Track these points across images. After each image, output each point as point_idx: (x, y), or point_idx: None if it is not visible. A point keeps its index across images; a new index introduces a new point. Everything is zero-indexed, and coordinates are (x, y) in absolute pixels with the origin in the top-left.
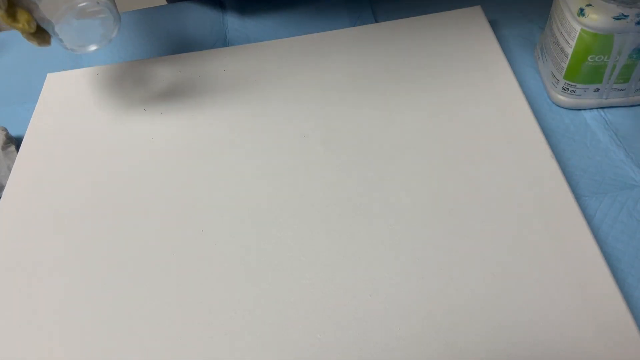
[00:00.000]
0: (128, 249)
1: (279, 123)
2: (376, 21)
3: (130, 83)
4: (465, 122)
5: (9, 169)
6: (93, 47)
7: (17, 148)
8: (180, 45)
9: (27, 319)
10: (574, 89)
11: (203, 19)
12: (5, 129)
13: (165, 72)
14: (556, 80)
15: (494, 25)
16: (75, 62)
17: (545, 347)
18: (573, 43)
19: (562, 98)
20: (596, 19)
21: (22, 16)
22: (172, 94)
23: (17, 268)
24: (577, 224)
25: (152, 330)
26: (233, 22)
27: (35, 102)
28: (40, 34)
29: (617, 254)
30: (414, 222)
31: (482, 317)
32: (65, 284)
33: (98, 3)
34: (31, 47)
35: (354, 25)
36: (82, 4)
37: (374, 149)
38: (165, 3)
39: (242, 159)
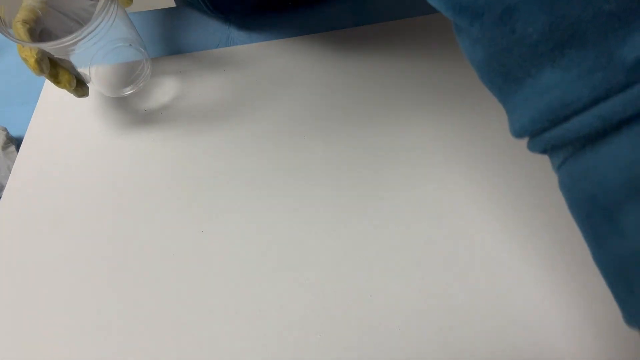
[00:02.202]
0: (128, 248)
1: (279, 123)
2: (377, 21)
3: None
4: (465, 122)
5: (9, 169)
6: (128, 91)
7: (17, 148)
8: (184, 47)
9: (27, 319)
10: None
11: (206, 21)
12: (5, 129)
13: (166, 72)
14: None
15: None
16: None
17: (545, 347)
18: None
19: None
20: None
21: (64, 77)
22: (172, 94)
23: (17, 268)
24: None
25: (151, 330)
26: (236, 25)
27: (35, 102)
28: (80, 88)
29: None
30: (414, 222)
31: (482, 318)
32: (65, 284)
33: (130, 45)
34: None
35: (354, 26)
36: (115, 47)
37: (374, 149)
38: (174, 5)
39: (242, 158)
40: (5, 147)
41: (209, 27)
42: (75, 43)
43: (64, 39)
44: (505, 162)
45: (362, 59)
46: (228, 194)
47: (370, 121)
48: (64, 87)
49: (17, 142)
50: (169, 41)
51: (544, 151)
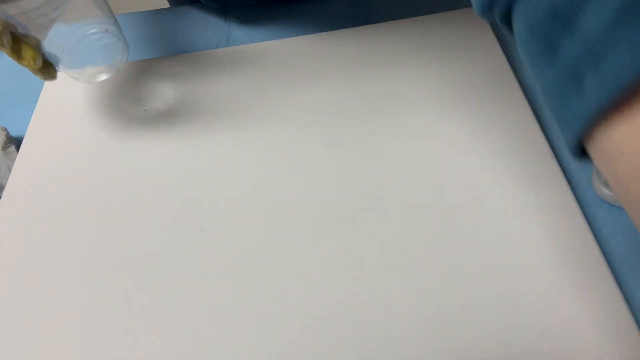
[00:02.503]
0: (128, 249)
1: (279, 123)
2: (377, 21)
3: (130, 83)
4: (466, 123)
5: (9, 169)
6: (102, 77)
7: (17, 148)
8: (184, 47)
9: (27, 319)
10: None
11: (206, 21)
12: (5, 129)
13: (166, 73)
14: None
15: (494, 25)
16: None
17: (545, 348)
18: None
19: None
20: None
21: (27, 53)
22: (172, 94)
23: (17, 268)
24: (579, 225)
25: (152, 330)
26: (236, 24)
27: (35, 102)
28: (47, 69)
29: (619, 255)
30: (414, 222)
31: (482, 318)
32: (65, 284)
33: (106, 31)
34: None
35: (355, 26)
36: (90, 32)
37: (374, 149)
38: (168, 6)
39: (242, 158)
40: (5, 147)
41: (208, 27)
42: (34, 10)
43: (21, 2)
44: (507, 163)
45: (362, 59)
46: (228, 193)
47: (371, 122)
48: (27, 64)
49: (17, 142)
50: (168, 41)
51: (508, 14)
